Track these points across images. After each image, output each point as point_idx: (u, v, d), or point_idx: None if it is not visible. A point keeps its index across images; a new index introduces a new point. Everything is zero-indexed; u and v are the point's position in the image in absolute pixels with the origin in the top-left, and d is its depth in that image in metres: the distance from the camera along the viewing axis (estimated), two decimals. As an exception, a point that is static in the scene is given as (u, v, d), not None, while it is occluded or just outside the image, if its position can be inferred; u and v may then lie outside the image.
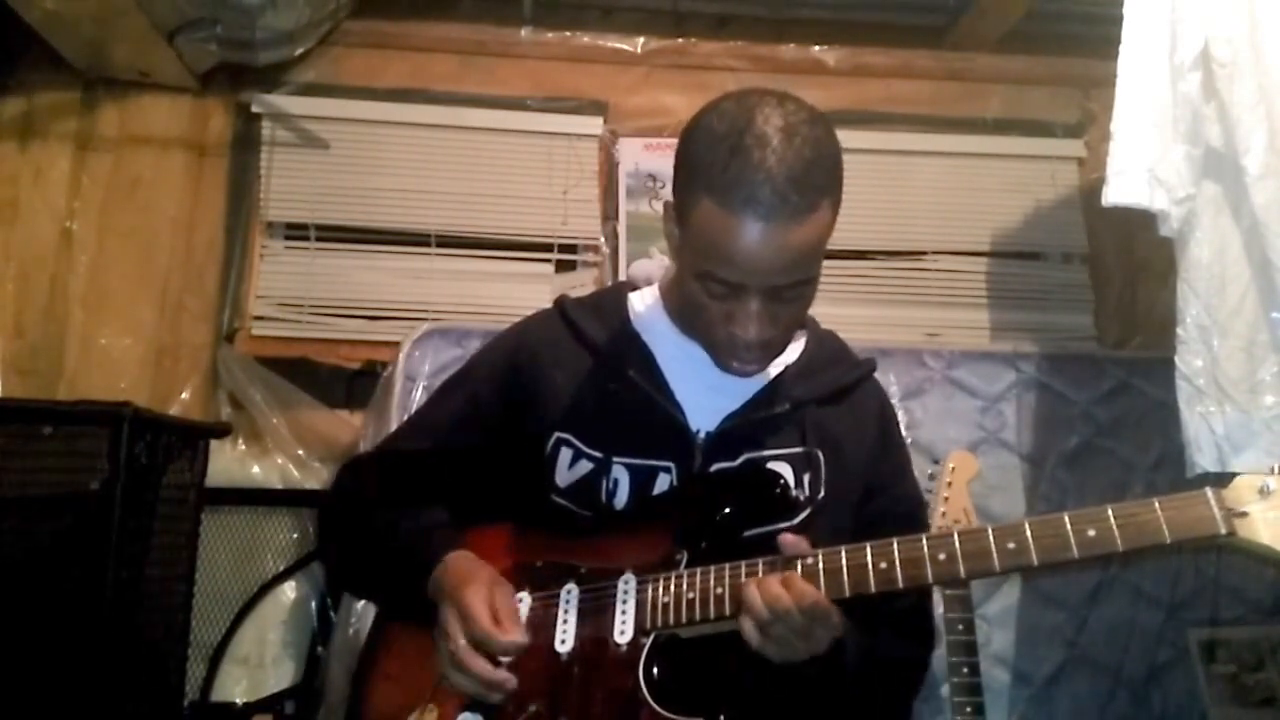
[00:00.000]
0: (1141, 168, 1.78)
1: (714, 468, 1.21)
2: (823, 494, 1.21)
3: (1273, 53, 1.80)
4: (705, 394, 1.23)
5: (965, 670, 1.88)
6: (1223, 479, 1.02)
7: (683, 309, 1.24)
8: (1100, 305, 2.96)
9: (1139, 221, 1.87)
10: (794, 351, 1.29)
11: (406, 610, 1.21)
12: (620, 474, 1.21)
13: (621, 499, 1.21)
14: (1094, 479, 2.45)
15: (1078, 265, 3.00)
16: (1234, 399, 1.78)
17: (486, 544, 1.21)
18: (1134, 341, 2.89)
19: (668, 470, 1.20)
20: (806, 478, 1.21)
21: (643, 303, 1.34)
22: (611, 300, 1.36)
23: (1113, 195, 1.79)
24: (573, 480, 1.22)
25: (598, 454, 1.22)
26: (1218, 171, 1.83)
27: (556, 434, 1.24)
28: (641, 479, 1.21)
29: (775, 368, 1.26)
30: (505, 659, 1.08)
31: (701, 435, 1.21)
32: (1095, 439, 2.49)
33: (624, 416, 1.22)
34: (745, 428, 1.22)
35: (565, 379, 1.27)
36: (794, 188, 1.05)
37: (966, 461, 2.03)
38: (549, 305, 1.39)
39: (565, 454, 1.23)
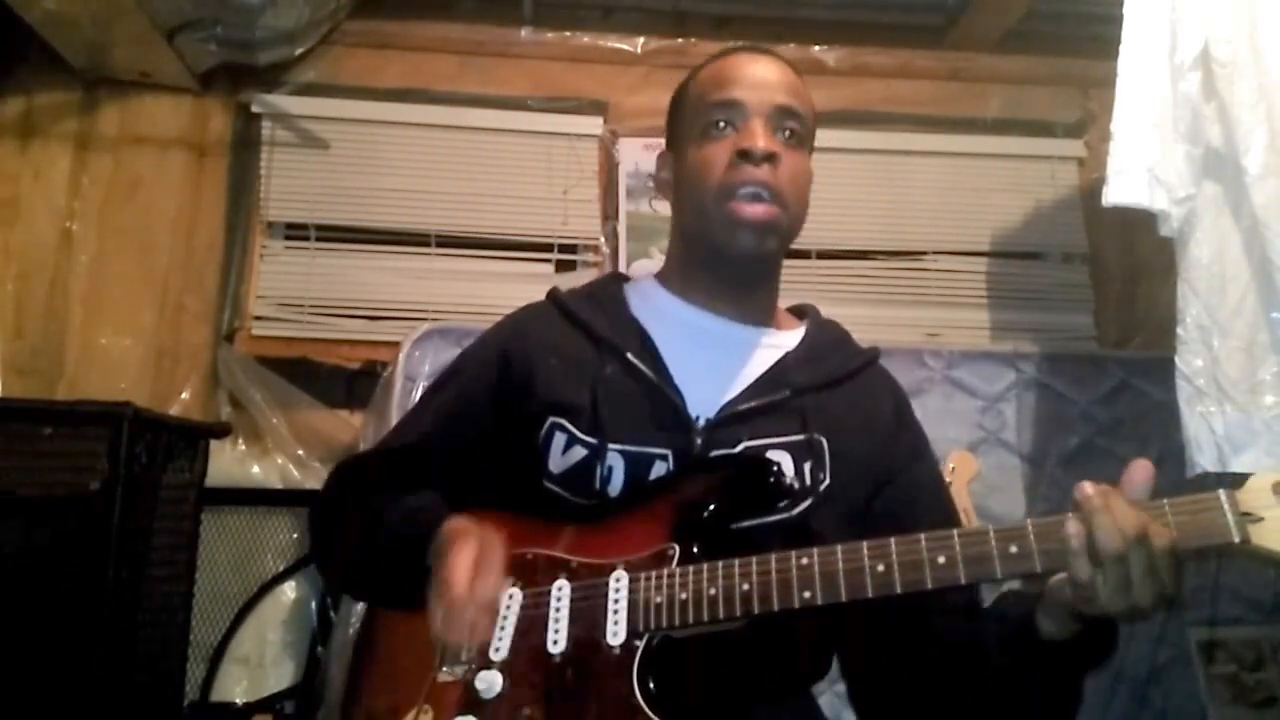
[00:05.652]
0: (1141, 168, 1.78)
1: (711, 455, 1.17)
2: (827, 481, 1.17)
3: (1273, 53, 1.80)
4: (705, 379, 1.20)
5: (965, 670, 1.88)
6: (1223, 478, 0.97)
7: (691, 200, 1.25)
8: (1100, 305, 2.96)
9: (1139, 221, 1.87)
10: (794, 338, 1.28)
11: (405, 598, 1.14)
12: (615, 461, 1.17)
13: (616, 487, 1.16)
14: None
15: (1078, 265, 3.00)
16: (1234, 399, 1.78)
17: None
18: (1134, 341, 2.89)
19: (664, 458, 1.17)
20: (807, 466, 1.17)
21: (639, 289, 1.32)
22: (607, 288, 1.35)
23: (1113, 195, 1.79)
24: (566, 466, 1.18)
25: (593, 440, 1.17)
26: (1218, 171, 1.83)
27: (550, 419, 1.20)
28: (637, 466, 1.17)
29: (776, 353, 1.24)
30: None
31: (701, 422, 1.18)
32: (1095, 439, 2.49)
33: (621, 402, 1.19)
34: (745, 414, 1.18)
35: (560, 364, 1.24)
36: (775, 56, 1.27)
37: (966, 461, 2.03)
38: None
39: (559, 439, 1.19)
